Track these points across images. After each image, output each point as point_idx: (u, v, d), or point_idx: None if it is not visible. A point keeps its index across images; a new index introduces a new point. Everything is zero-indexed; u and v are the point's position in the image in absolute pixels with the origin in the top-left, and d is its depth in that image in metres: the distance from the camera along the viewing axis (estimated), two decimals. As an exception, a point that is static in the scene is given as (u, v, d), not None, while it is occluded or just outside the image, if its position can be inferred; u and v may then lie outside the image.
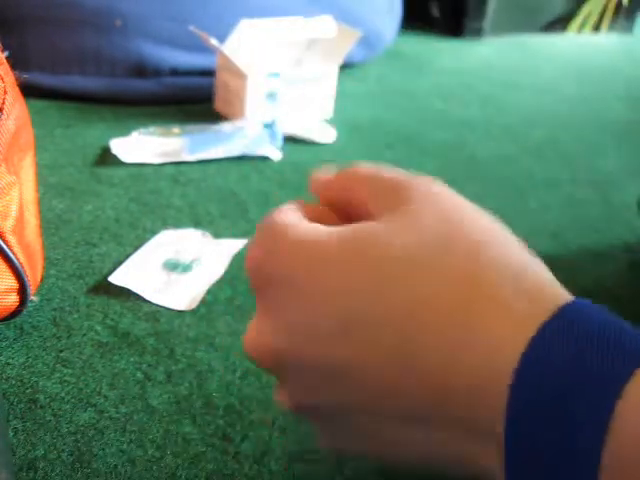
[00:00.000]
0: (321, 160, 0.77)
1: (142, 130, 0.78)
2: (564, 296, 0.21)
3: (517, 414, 0.19)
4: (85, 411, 0.40)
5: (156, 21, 0.89)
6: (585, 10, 1.56)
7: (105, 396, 0.41)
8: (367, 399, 0.21)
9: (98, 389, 0.42)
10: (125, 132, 0.79)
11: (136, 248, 0.57)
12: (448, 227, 0.22)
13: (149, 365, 0.44)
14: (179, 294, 0.51)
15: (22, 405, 0.40)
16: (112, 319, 0.48)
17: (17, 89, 0.46)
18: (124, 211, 0.63)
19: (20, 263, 0.43)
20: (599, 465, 0.17)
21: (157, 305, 0.50)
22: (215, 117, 0.87)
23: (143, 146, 0.75)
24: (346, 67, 1.03)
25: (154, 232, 0.59)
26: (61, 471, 0.36)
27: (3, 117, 0.42)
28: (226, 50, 0.83)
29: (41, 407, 0.40)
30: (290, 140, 0.81)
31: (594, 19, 1.59)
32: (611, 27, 1.62)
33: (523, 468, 0.19)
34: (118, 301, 0.50)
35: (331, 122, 0.88)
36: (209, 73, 0.90)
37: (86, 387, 0.42)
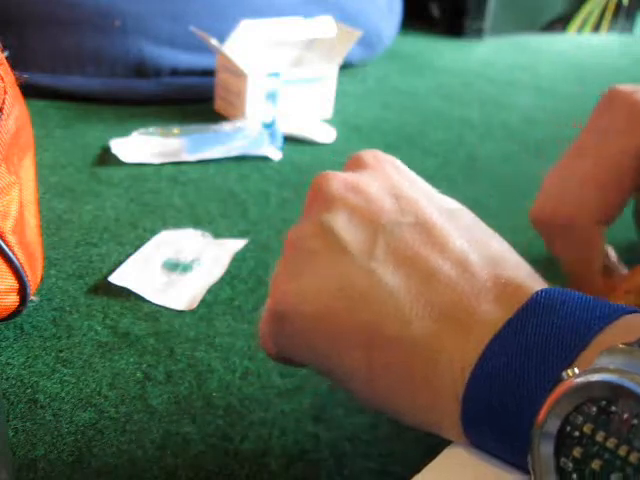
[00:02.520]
0: (321, 160, 0.77)
1: (142, 130, 0.78)
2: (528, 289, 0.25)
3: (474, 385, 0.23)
4: (85, 411, 0.40)
5: (156, 21, 0.89)
6: (585, 10, 1.56)
7: (105, 396, 0.41)
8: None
9: (98, 389, 0.42)
10: (125, 132, 0.79)
11: (136, 248, 0.57)
12: None
13: (149, 365, 0.44)
14: (179, 294, 0.51)
15: (22, 405, 0.40)
16: (112, 319, 0.48)
17: (17, 89, 0.46)
18: (124, 211, 0.63)
19: (20, 263, 0.43)
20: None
21: (157, 305, 0.50)
22: (215, 117, 0.87)
23: (143, 146, 0.75)
24: (346, 67, 1.03)
25: (154, 232, 0.59)
26: (61, 471, 0.36)
27: (3, 117, 0.42)
28: (226, 50, 0.83)
29: (41, 407, 0.40)
30: (290, 140, 0.81)
31: (594, 19, 1.59)
32: (611, 27, 1.62)
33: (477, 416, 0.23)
34: (118, 301, 0.50)
35: (331, 122, 0.88)
36: (209, 73, 0.90)
37: (86, 387, 0.42)
